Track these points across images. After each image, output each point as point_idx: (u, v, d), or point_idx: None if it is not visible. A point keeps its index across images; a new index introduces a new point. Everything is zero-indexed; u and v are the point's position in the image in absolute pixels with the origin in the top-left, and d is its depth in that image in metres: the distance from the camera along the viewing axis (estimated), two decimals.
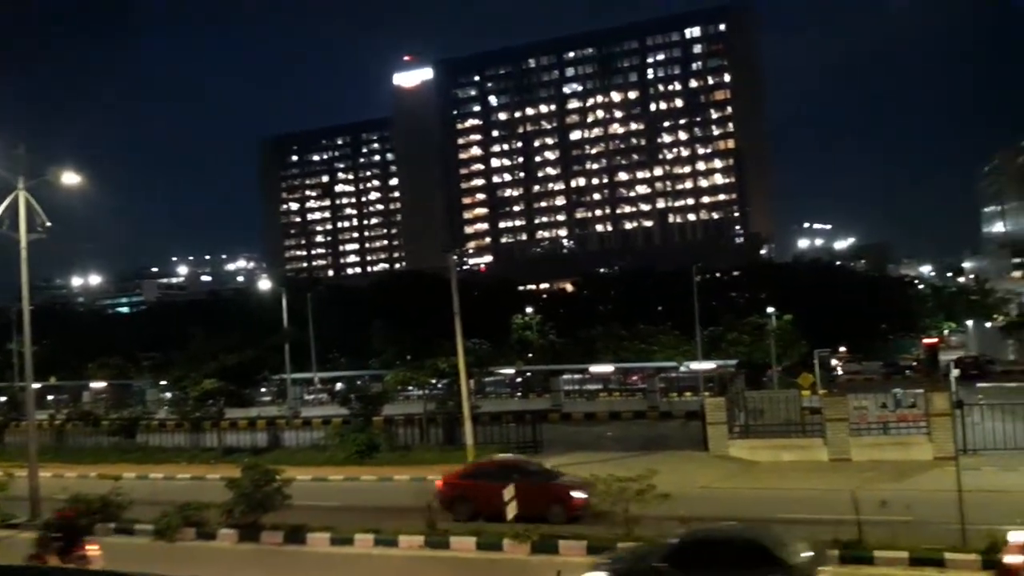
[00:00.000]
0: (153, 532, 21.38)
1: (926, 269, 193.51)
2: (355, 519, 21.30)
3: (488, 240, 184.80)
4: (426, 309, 61.31)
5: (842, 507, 17.68)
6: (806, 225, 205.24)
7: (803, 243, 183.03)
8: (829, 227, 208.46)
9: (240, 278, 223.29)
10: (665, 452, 31.09)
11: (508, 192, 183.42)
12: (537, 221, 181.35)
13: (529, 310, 76.93)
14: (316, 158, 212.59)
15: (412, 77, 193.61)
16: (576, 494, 20.87)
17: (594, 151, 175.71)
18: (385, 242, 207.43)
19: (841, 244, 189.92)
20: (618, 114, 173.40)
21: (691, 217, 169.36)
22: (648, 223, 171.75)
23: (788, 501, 22.30)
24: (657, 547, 15.21)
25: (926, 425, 27.56)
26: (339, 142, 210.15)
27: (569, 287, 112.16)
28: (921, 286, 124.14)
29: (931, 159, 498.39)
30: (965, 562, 15.82)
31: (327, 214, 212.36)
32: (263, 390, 57.20)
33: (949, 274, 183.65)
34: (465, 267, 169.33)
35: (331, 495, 26.40)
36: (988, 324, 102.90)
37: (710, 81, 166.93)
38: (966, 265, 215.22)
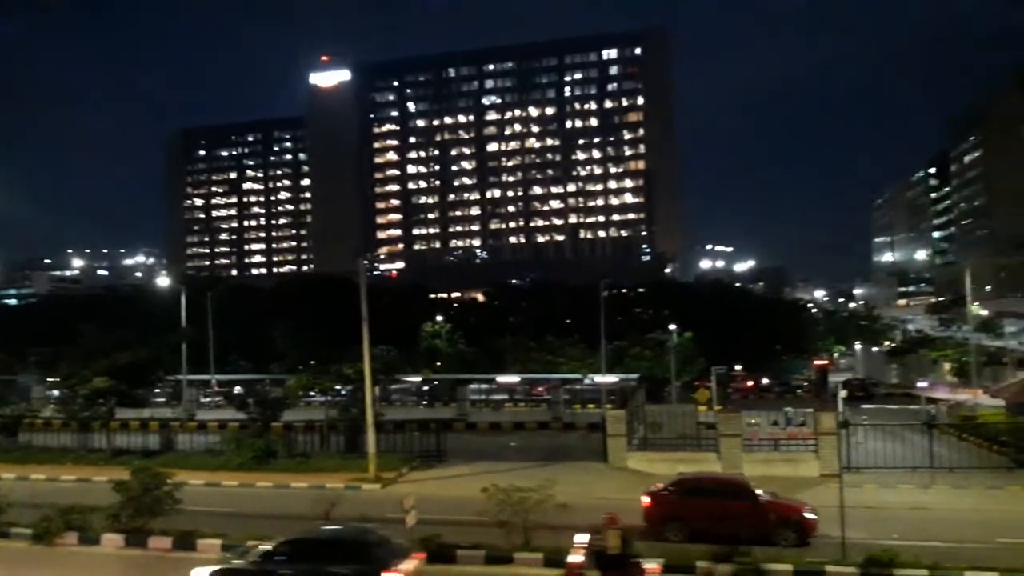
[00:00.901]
0: (31, 536, 20.29)
1: (820, 294, 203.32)
2: (249, 526, 20.75)
3: (401, 246, 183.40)
4: (333, 313, 60.34)
5: None
6: (709, 247, 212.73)
7: (706, 264, 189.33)
8: (731, 250, 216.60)
9: (139, 274, 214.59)
10: (566, 463, 31.51)
11: (423, 199, 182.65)
12: (451, 230, 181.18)
13: (439, 318, 76.67)
14: (225, 154, 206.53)
15: (329, 78, 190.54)
16: (809, 515, 19.66)
17: (510, 164, 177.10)
18: (293, 243, 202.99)
19: (741, 266, 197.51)
20: (535, 129, 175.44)
21: (602, 234, 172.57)
22: (560, 237, 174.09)
23: None
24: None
25: (814, 443, 28.82)
26: (250, 139, 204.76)
27: (481, 297, 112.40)
28: (814, 310, 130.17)
29: (829, 190, 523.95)
30: (845, 575, 16.59)
31: (233, 212, 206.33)
32: (157, 391, 55.02)
33: (841, 299, 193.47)
34: (376, 272, 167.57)
35: (224, 501, 25.64)
36: (875, 348, 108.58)
37: (624, 103, 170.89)
38: (857, 292, 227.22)
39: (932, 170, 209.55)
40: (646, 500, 20.72)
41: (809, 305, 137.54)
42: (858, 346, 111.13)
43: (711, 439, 30.96)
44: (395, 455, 31.89)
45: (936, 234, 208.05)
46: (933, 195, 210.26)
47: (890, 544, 17.39)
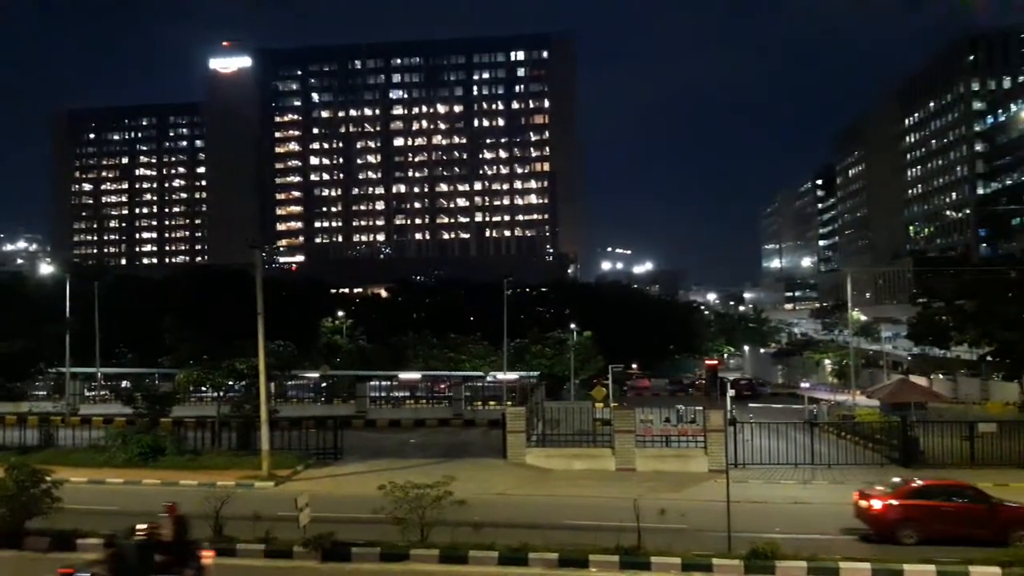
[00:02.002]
0: None
1: (712, 297, 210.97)
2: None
3: (301, 239, 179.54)
4: (228, 307, 58.36)
5: (625, 515, 18.67)
6: (609, 249, 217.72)
7: (606, 265, 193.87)
8: (630, 252, 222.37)
9: (20, 260, 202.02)
10: (466, 459, 31.56)
11: (326, 192, 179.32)
12: (355, 224, 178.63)
13: (340, 313, 75.41)
14: (116, 138, 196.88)
15: (230, 63, 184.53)
16: None
17: (416, 159, 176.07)
18: (187, 233, 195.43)
19: (639, 269, 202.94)
20: (442, 126, 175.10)
21: (507, 233, 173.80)
22: (465, 235, 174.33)
23: (576, 508, 23.37)
24: None
25: (704, 440, 29.86)
26: (144, 123, 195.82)
27: (384, 293, 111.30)
28: (707, 312, 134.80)
29: (723, 198, 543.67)
30: (730, 567, 17.18)
31: (124, 199, 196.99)
32: (38, 383, 52.00)
33: (731, 303, 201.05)
34: (275, 265, 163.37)
35: (109, 499, 24.49)
36: (762, 350, 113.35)
37: (531, 104, 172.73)
38: (747, 295, 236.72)
39: (819, 182, 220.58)
40: (878, 505, 20.32)
41: (702, 307, 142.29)
42: (747, 347, 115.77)
43: (607, 435, 31.62)
44: (290, 452, 31.19)
45: (821, 243, 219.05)
46: (819, 206, 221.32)
47: (773, 537, 18.12)
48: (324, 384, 55.64)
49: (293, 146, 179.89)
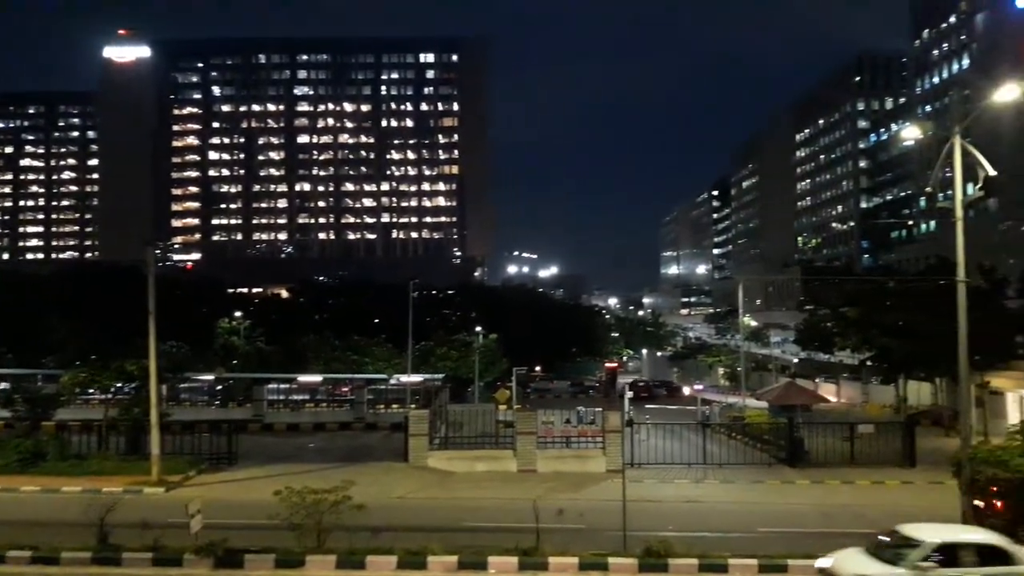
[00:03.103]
0: None
1: (613, 301, 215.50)
2: (10, 534, 18.83)
3: (198, 236, 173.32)
4: (119, 305, 55.82)
5: (525, 516, 18.86)
6: (516, 253, 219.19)
7: (512, 269, 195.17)
8: (536, 256, 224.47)
9: None
10: (367, 463, 31.23)
11: (225, 188, 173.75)
12: (255, 222, 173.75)
13: (238, 314, 73.24)
14: (1, 126, 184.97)
15: (126, 53, 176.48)
16: None
17: (322, 158, 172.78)
18: (76, 228, 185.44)
19: (545, 273, 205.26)
20: (349, 124, 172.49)
21: (414, 234, 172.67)
22: (372, 236, 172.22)
23: (477, 510, 23.46)
24: None
25: (602, 440, 30.49)
26: (31, 111, 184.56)
27: (285, 293, 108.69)
28: (608, 316, 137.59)
29: (625, 205, 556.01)
30: (625, 566, 17.59)
31: (7, 190, 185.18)
32: None
33: (631, 307, 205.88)
34: (170, 263, 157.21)
35: None
36: (659, 353, 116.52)
37: (440, 107, 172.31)
38: (645, 300, 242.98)
39: (715, 193, 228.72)
40: (998, 502, 20.25)
41: (603, 311, 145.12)
42: (645, 351, 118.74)
43: (509, 437, 31.87)
44: (182, 457, 30.14)
45: (716, 251, 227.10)
46: (715, 216, 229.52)
47: (666, 535, 18.67)
48: (219, 387, 53.99)
49: (192, 140, 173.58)
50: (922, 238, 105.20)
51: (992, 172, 19.01)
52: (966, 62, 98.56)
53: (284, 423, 45.71)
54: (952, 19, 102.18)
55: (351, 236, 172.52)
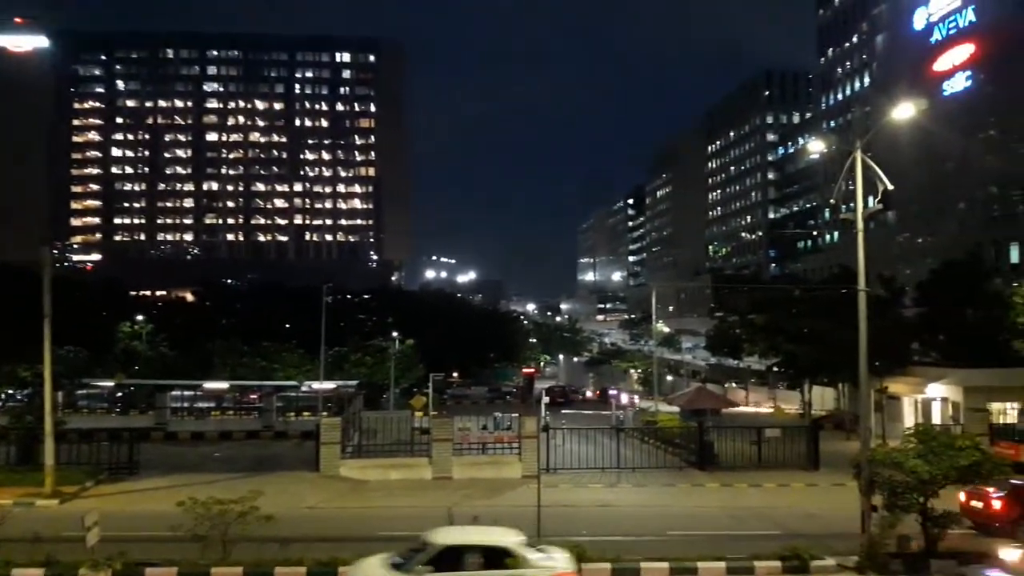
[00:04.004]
0: None
1: (531, 307, 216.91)
2: None
3: (99, 236, 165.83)
4: (11, 308, 52.81)
5: (440, 523, 18.67)
6: (434, 257, 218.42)
7: (431, 273, 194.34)
8: (454, 261, 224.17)
9: None
10: (276, 473, 30.41)
11: (128, 186, 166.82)
12: (160, 222, 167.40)
13: (140, 318, 70.35)
14: None
15: (22, 41, 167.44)
16: None
17: (231, 156, 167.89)
18: None
19: (463, 278, 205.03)
20: (260, 123, 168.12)
21: (328, 237, 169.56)
22: (283, 238, 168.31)
23: (390, 519, 23.08)
24: None
25: (518, 446, 30.50)
26: None
27: (190, 296, 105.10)
28: (526, 322, 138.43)
29: (544, 211, 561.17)
30: None
31: None
32: None
33: (549, 313, 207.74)
34: (68, 264, 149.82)
35: None
36: (576, 358, 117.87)
37: (356, 107, 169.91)
38: (563, 306, 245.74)
39: (630, 201, 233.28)
40: (998, 505, 21.81)
41: (522, 317, 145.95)
42: (561, 356, 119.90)
43: (425, 444, 31.54)
44: (79, 468, 28.65)
45: (631, 258, 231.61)
46: (630, 223, 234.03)
47: (580, 540, 18.75)
48: (120, 394, 51.67)
49: (93, 136, 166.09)
50: (826, 248, 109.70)
51: (891, 186, 19.84)
52: (867, 80, 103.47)
53: (188, 431, 44.17)
54: (855, 39, 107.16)
55: (261, 238, 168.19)
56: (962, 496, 23.48)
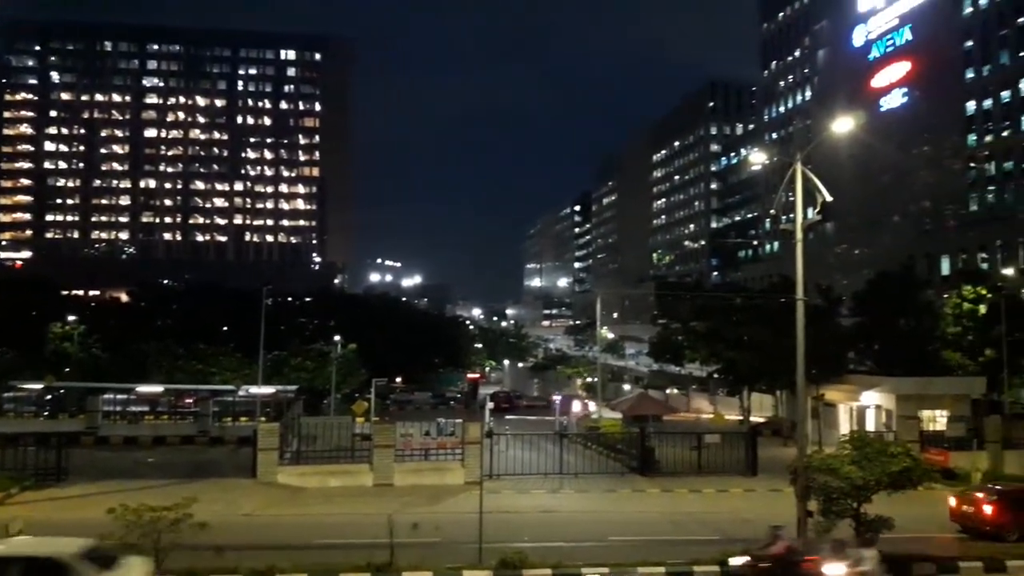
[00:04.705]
0: None
1: (477, 312, 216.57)
2: None
3: (29, 233, 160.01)
4: None
5: (379, 531, 18.42)
6: (379, 260, 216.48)
7: (375, 277, 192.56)
8: (399, 265, 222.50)
9: None
10: (212, 479, 29.67)
11: (62, 182, 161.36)
12: (94, 219, 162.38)
13: (72, 318, 68.00)
14: None
15: None
16: None
17: (170, 153, 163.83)
18: None
19: (408, 282, 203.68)
20: (201, 120, 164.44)
21: (269, 238, 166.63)
22: (223, 238, 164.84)
23: (329, 526, 22.68)
24: None
25: (462, 452, 30.29)
26: None
27: (125, 297, 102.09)
28: (472, 327, 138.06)
29: (492, 216, 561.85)
30: None
31: None
32: None
33: (495, 318, 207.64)
34: None
35: None
36: (521, 364, 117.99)
37: (301, 106, 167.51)
38: (509, 312, 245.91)
39: (577, 208, 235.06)
40: (989, 510, 22.83)
41: (467, 322, 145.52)
42: (507, 361, 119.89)
43: (366, 450, 31.10)
44: (4, 473, 27.56)
45: (577, 264, 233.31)
46: (576, 230, 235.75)
47: (522, 546, 18.68)
48: (49, 397, 49.85)
49: (25, 128, 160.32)
50: (766, 258, 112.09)
51: (829, 198, 20.25)
52: (808, 94, 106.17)
53: (121, 436, 42.93)
54: (797, 53, 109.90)
55: (200, 238, 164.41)
56: (952, 501, 24.34)
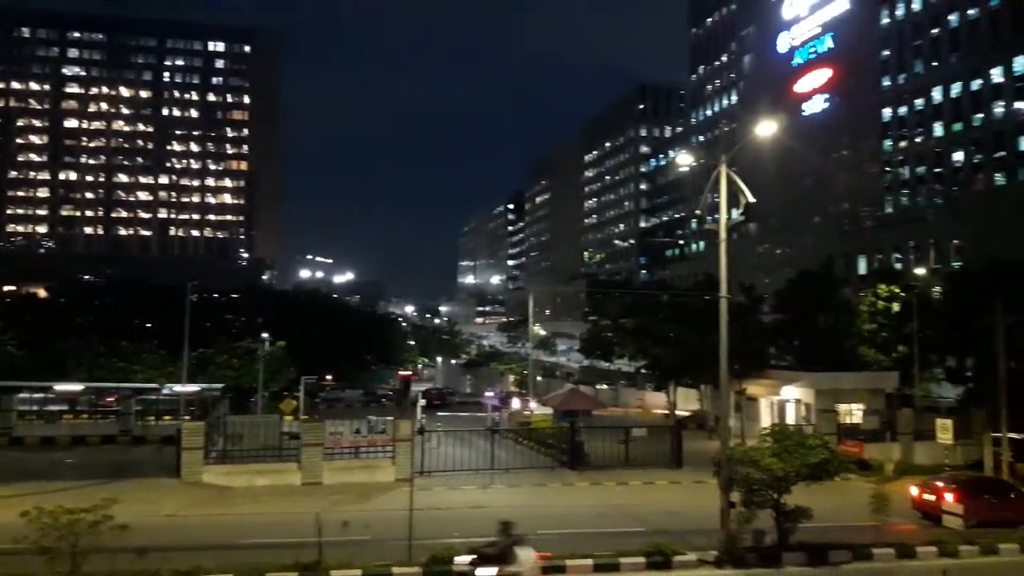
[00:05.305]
0: None
1: (410, 309, 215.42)
2: None
3: None
4: None
5: (308, 530, 18.27)
6: (309, 256, 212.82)
7: (305, 273, 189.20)
8: (331, 261, 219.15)
9: None
10: (133, 480, 28.93)
11: None
12: (10, 212, 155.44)
13: None
14: None
15: None
16: None
17: (92, 145, 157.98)
18: None
19: (340, 278, 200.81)
20: (125, 111, 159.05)
21: (195, 233, 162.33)
22: (147, 232, 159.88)
23: (256, 526, 22.39)
24: None
25: (392, 450, 30.22)
26: None
27: (42, 292, 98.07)
28: (405, 324, 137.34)
29: (425, 213, 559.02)
30: (409, 575, 17.54)
31: None
32: None
33: (428, 315, 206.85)
34: None
35: None
36: (454, 361, 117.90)
37: (229, 99, 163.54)
38: (442, 309, 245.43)
39: (511, 206, 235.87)
40: (950, 498, 24.39)
41: (400, 319, 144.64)
42: (439, 358, 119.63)
43: (294, 449, 30.74)
44: None
45: (510, 262, 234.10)
46: (510, 228, 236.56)
47: (452, 542, 18.78)
48: None
49: None
50: (692, 257, 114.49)
51: (752, 199, 20.94)
52: (734, 98, 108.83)
53: (37, 436, 41.46)
54: (724, 58, 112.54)
55: (123, 232, 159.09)
56: (914, 490, 25.51)
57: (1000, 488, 25.92)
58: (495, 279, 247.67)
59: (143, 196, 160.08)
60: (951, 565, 18.67)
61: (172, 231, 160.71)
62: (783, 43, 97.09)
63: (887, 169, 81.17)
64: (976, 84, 71.33)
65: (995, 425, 31.85)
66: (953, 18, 74.13)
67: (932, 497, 25.06)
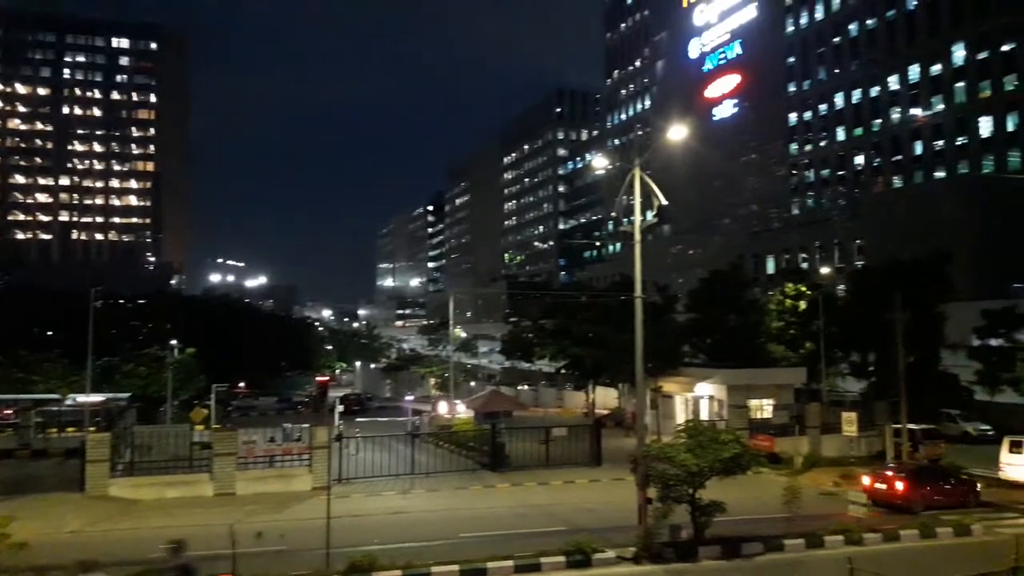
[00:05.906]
0: None
1: (327, 313, 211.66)
2: None
3: None
4: None
5: (221, 542, 17.66)
6: (220, 260, 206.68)
7: (216, 277, 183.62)
8: (242, 265, 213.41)
9: None
10: (33, 495, 27.43)
11: None
12: None
13: None
14: None
15: None
16: (978, 487, 27.07)
17: None
18: None
19: (253, 282, 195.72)
20: (22, 109, 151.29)
21: (99, 236, 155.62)
22: (47, 236, 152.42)
23: (163, 540, 21.50)
24: None
25: (308, 457, 29.57)
26: None
27: None
28: (321, 328, 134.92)
29: (342, 215, 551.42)
30: None
31: None
32: None
33: (346, 319, 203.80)
34: None
35: None
36: (373, 365, 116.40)
37: (135, 98, 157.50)
38: (361, 312, 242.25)
39: (431, 208, 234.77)
40: (900, 486, 25.83)
41: (317, 323, 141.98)
42: (358, 363, 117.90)
43: (206, 459, 29.75)
44: None
45: (431, 264, 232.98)
46: (430, 230, 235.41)
47: (371, 549, 18.52)
48: None
49: None
50: (610, 258, 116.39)
51: (665, 202, 21.37)
52: (648, 102, 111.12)
53: None
54: (638, 63, 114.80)
55: (20, 235, 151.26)
56: (866, 480, 26.42)
57: (943, 476, 27.58)
58: (415, 281, 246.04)
59: (43, 198, 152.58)
60: (856, 553, 19.42)
61: (75, 234, 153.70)
62: (694, 49, 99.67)
63: (793, 172, 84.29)
64: (875, 91, 74.80)
65: (896, 416, 33.39)
66: (853, 27, 77.57)
67: (883, 486, 26.36)
